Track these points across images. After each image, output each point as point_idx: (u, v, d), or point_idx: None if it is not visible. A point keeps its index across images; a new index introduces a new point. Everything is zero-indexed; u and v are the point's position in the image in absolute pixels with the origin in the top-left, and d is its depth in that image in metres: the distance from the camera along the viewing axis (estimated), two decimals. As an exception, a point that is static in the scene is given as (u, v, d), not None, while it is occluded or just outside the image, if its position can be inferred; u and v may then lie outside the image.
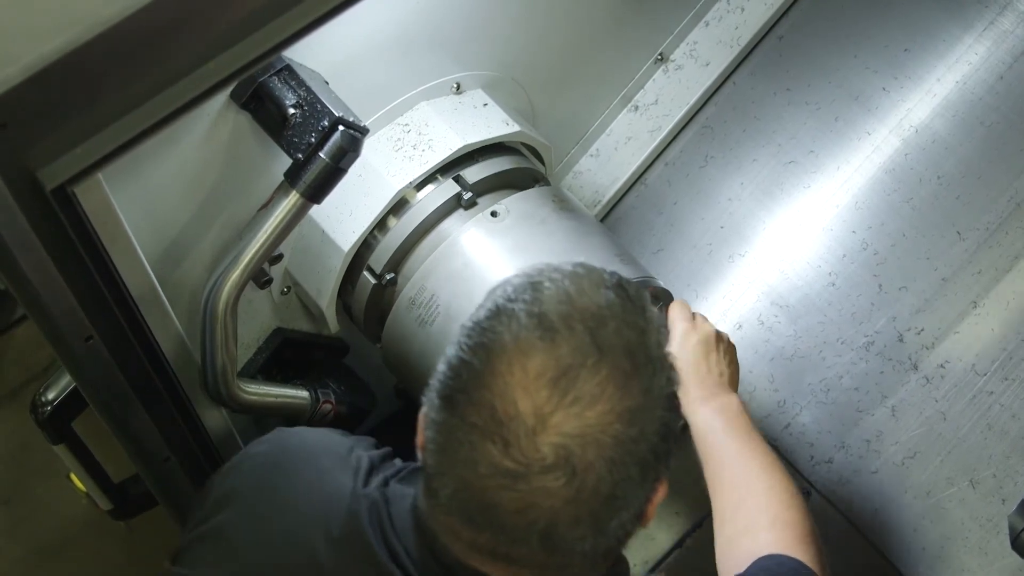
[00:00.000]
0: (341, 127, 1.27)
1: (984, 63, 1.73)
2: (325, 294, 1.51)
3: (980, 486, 1.57)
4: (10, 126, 0.96)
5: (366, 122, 1.33)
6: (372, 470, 1.15)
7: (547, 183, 1.61)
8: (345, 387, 1.65)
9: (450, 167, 1.50)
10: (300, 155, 1.28)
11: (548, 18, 1.64)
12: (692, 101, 1.91)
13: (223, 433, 1.51)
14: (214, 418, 1.48)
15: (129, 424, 1.31)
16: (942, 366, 1.64)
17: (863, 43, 1.82)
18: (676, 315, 1.42)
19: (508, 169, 1.55)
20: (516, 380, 0.90)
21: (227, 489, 1.17)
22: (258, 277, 1.40)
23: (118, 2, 0.97)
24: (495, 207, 1.48)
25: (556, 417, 0.89)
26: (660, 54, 1.91)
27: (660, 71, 1.93)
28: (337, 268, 1.48)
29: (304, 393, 1.57)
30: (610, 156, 1.93)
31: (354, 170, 1.32)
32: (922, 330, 1.66)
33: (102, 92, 1.01)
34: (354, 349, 1.72)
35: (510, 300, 0.95)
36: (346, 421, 1.65)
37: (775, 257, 1.80)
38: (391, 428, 1.85)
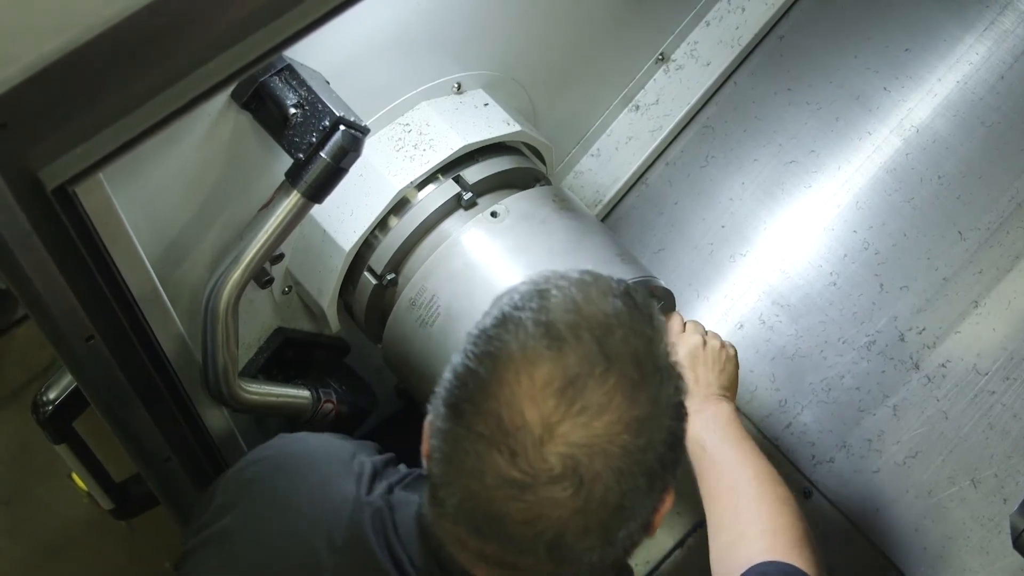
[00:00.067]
0: (342, 127, 1.27)
1: (985, 63, 1.73)
2: (326, 294, 1.51)
3: (981, 486, 1.57)
4: (11, 126, 0.96)
5: (367, 122, 1.33)
6: (375, 476, 1.15)
7: (548, 183, 1.61)
8: (346, 387, 1.65)
9: (451, 167, 1.50)
10: (301, 155, 1.28)
11: (549, 18, 1.64)
12: (693, 101, 1.90)
13: (224, 433, 1.51)
14: (215, 418, 1.48)
15: (130, 424, 1.31)
16: (943, 365, 1.64)
17: (864, 43, 1.82)
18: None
19: (509, 169, 1.55)
20: (523, 389, 0.89)
21: (230, 495, 1.17)
22: (259, 277, 1.40)
23: (118, 2, 0.97)
24: (496, 207, 1.48)
25: (563, 427, 0.88)
26: (661, 54, 1.91)
27: (661, 71, 1.93)
28: (338, 268, 1.48)
29: (305, 393, 1.57)
30: (611, 156, 1.93)
31: (355, 170, 1.32)
32: (923, 329, 1.66)
33: (103, 92, 1.01)
34: (355, 349, 1.72)
35: (517, 308, 0.94)
36: (347, 421, 1.65)
37: (776, 257, 1.79)
38: (392, 428, 1.85)
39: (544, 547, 0.91)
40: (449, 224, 1.50)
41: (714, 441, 1.35)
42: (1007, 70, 1.71)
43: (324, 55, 1.33)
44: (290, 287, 1.57)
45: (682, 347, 1.42)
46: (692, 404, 1.34)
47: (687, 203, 1.89)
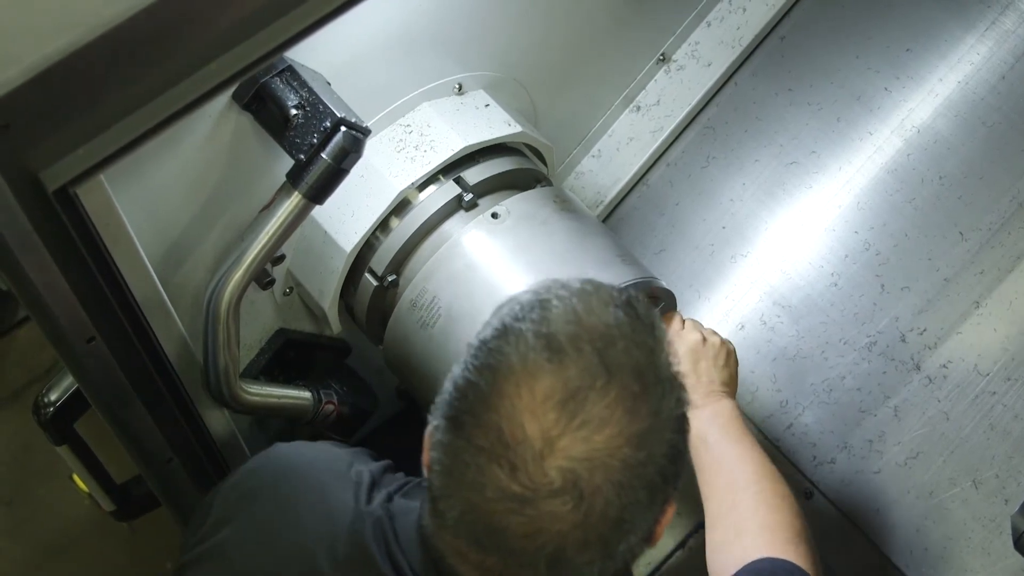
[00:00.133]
0: (343, 128, 1.27)
1: (986, 63, 1.73)
2: (327, 295, 1.51)
3: (983, 486, 1.57)
4: (12, 127, 0.97)
5: (368, 123, 1.33)
6: (374, 485, 1.15)
7: (549, 184, 1.61)
8: (347, 388, 1.65)
9: (452, 168, 1.50)
10: (302, 156, 1.28)
11: (550, 19, 1.64)
12: (694, 102, 1.90)
13: (225, 434, 1.51)
14: (216, 419, 1.48)
15: (131, 425, 1.31)
16: (944, 366, 1.64)
17: (865, 43, 1.82)
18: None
19: (510, 170, 1.55)
20: (524, 403, 0.89)
21: (228, 508, 1.16)
22: (260, 278, 1.40)
23: (120, 3, 0.97)
24: (496, 208, 1.48)
25: (564, 441, 0.88)
26: (662, 54, 1.91)
27: (662, 71, 1.93)
28: (339, 269, 1.48)
29: (306, 394, 1.57)
30: (612, 157, 1.93)
31: (356, 171, 1.32)
32: (924, 330, 1.66)
33: (104, 93, 1.01)
34: (356, 350, 1.72)
35: (517, 319, 0.94)
36: (348, 422, 1.65)
37: (777, 257, 1.79)
38: (393, 429, 1.85)
39: (544, 560, 0.91)
40: (450, 225, 1.50)
41: (716, 437, 1.35)
42: (1008, 70, 1.71)
43: (325, 56, 1.33)
44: (291, 288, 1.57)
45: (682, 345, 1.43)
46: (695, 400, 1.36)
47: (688, 204, 1.89)
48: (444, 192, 1.49)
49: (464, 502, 0.92)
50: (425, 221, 1.48)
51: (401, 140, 1.50)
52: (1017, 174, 1.66)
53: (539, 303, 0.95)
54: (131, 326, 1.23)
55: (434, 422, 0.96)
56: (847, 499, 1.66)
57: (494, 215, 1.48)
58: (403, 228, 1.49)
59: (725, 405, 1.39)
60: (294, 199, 1.30)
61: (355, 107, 1.31)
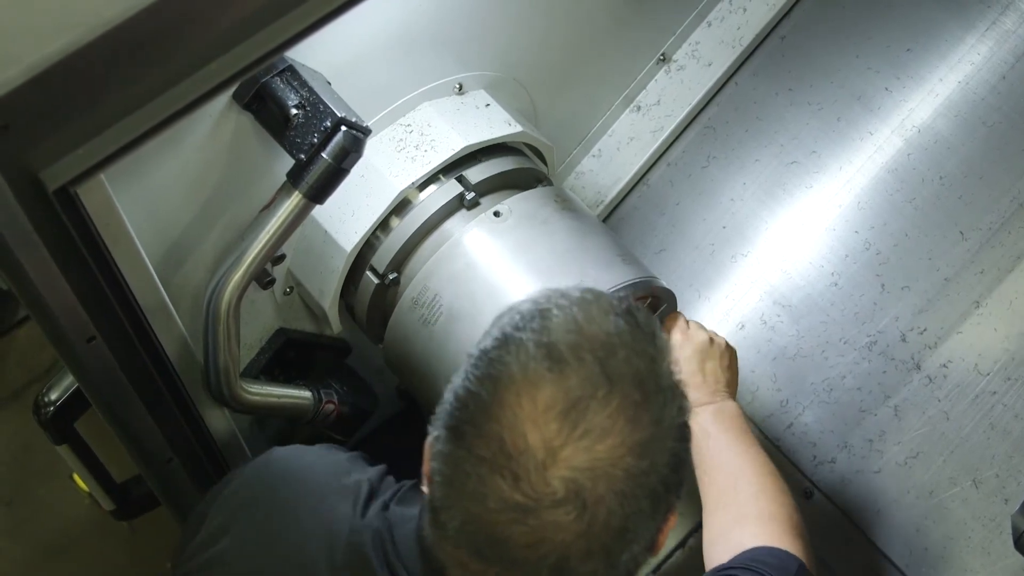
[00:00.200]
0: (343, 127, 1.27)
1: (986, 63, 1.73)
2: (327, 294, 1.51)
3: (983, 486, 1.57)
4: (12, 127, 0.97)
5: (368, 123, 1.34)
6: (372, 494, 1.14)
7: (549, 183, 1.61)
8: (347, 387, 1.65)
9: (452, 167, 1.50)
10: (302, 156, 1.28)
11: (550, 19, 1.64)
12: (694, 101, 1.90)
13: (226, 434, 1.51)
14: (217, 419, 1.48)
15: (131, 425, 1.31)
16: (945, 366, 1.64)
17: (865, 43, 1.82)
18: (670, 325, 1.46)
19: (510, 169, 1.55)
20: (525, 413, 0.89)
21: (226, 516, 1.16)
22: (260, 278, 1.41)
23: (120, 3, 0.97)
24: (497, 207, 1.48)
25: (566, 451, 0.88)
26: (662, 54, 1.91)
27: (662, 71, 1.93)
28: (340, 268, 1.48)
29: (306, 393, 1.57)
30: (612, 156, 1.93)
31: (356, 170, 1.32)
32: (925, 330, 1.66)
33: (104, 93, 1.01)
34: (356, 350, 1.72)
35: (518, 329, 0.93)
36: (348, 422, 1.65)
37: (777, 257, 1.79)
38: (393, 429, 1.85)
39: (547, 571, 0.91)
40: (452, 224, 1.50)
41: (718, 431, 1.37)
42: (1008, 70, 1.71)
43: (325, 56, 1.33)
44: (291, 288, 1.57)
45: (689, 345, 1.43)
46: (701, 398, 1.37)
47: (688, 203, 1.89)
48: (445, 191, 1.49)
49: (465, 512, 0.91)
50: (426, 220, 1.48)
51: (401, 140, 1.50)
52: (1017, 174, 1.66)
53: (539, 312, 0.94)
54: (131, 326, 1.23)
55: (434, 432, 0.95)
56: (847, 499, 1.66)
57: (496, 214, 1.48)
58: (404, 227, 1.49)
59: (729, 404, 1.41)
60: (294, 199, 1.30)
61: (355, 107, 1.31)
